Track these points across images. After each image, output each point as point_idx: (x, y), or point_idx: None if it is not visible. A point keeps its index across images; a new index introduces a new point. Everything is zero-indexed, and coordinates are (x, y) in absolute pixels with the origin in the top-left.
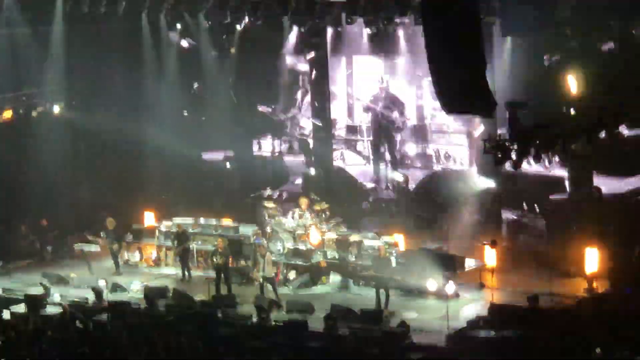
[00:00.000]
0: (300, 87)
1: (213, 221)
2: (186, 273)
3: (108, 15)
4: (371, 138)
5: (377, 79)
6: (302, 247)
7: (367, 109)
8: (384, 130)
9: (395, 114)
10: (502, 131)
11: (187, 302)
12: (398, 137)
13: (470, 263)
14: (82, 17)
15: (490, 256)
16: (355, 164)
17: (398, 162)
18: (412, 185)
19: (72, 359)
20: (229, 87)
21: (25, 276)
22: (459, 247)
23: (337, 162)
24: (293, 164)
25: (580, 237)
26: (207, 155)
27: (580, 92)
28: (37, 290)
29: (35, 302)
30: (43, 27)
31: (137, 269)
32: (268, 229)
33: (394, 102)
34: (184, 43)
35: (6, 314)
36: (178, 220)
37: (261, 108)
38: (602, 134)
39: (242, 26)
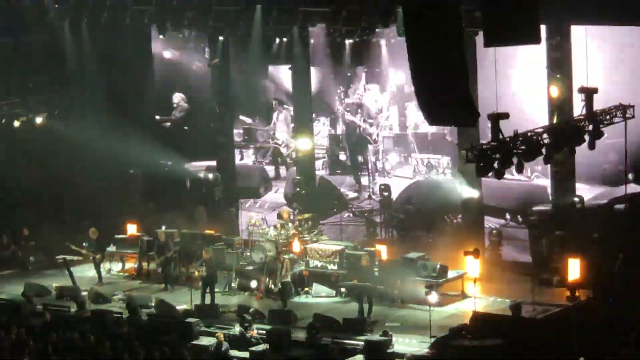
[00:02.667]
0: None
1: (196, 231)
2: (168, 283)
3: (90, 26)
4: (350, 148)
5: (359, 89)
6: (284, 256)
7: (349, 120)
8: (363, 141)
9: (371, 127)
10: (484, 141)
11: (169, 311)
12: (380, 147)
13: (452, 272)
14: (64, 27)
15: (473, 265)
16: (337, 173)
17: (380, 172)
18: (394, 195)
19: None
20: (211, 97)
21: (7, 286)
22: (442, 257)
23: (319, 172)
24: (275, 174)
25: (562, 246)
26: (190, 165)
27: (563, 102)
28: (20, 300)
29: (18, 312)
30: (25, 37)
31: (119, 278)
32: (251, 239)
33: (369, 115)
34: (167, 54)
35: None
36: (160, 230)
37: (242, 117)
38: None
39: (224, 36)
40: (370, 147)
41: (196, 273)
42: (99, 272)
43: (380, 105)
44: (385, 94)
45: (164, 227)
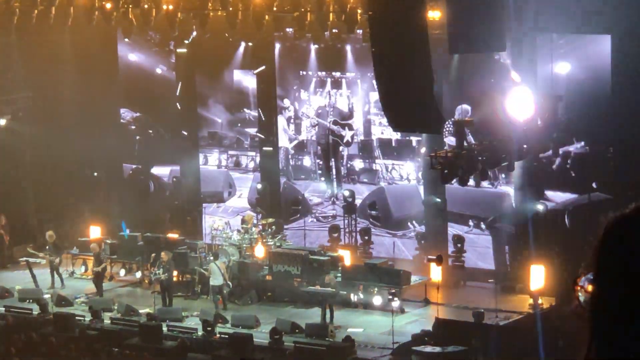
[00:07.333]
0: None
1: (159, 235)
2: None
3: (57, 27)
4: (318, 153)
5: (324, 94)
6: (248, 261)
7: (315, 125)
8: (331, 146)
9: (343, 130)
10: (449, 148)
11: (132, 314)
12: (345, 152)
13: (415, 278)
14: (30, 28)
15: (436, 272)
16: (301, 178)
17: (344, 178)
18: (358, 201)
19: None
20: (175, 100)
21: None
22: (405, 262)
23: (283, 177)
24: (239, 178)
25: (525, 253)
26: (154, 169)
27: (528, 110)
28: None
29: None
30: None
31: (82, 281)
32: (214, 243)
33: (342, 117)
34: (133, 57)
35: None
36: (94, 243)
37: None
38: (549, 152)
39: (190, 40)
40: (342, 150)
41: (153, 276)
42: (58, 275)
43: (347, 110)
44: (351, 99)
45: (128, 231)
